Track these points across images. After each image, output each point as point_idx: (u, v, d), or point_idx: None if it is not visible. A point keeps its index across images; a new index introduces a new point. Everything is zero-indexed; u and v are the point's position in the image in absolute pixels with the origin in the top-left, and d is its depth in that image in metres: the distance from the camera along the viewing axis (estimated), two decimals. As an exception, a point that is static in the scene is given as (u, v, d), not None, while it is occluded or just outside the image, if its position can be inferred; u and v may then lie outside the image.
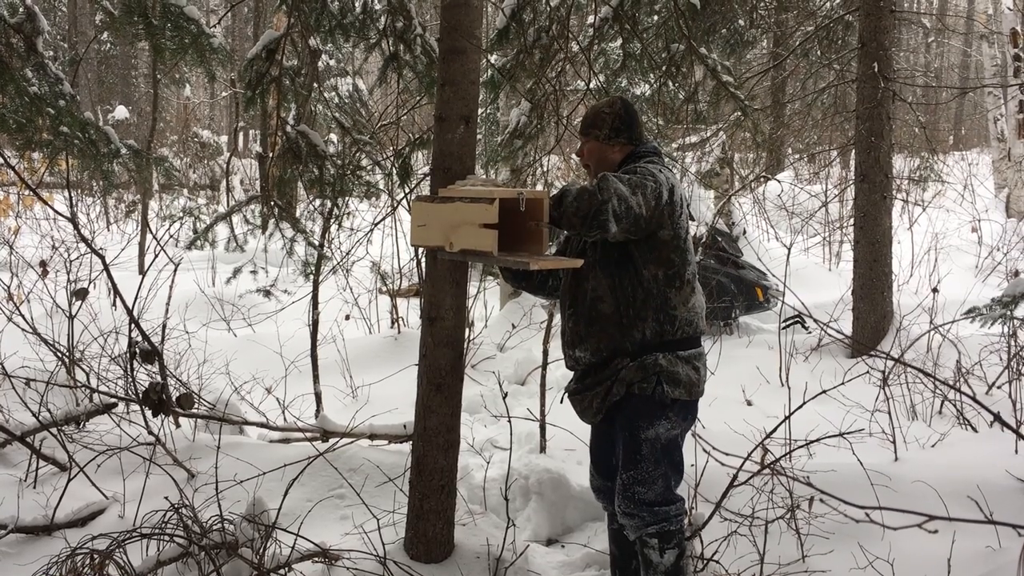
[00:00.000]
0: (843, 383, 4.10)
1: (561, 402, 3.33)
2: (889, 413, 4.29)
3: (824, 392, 3.72)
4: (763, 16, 7.30)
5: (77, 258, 5.95)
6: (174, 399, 4.38)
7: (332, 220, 5.30)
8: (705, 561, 3.36)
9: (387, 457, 4.23)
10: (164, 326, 5.31)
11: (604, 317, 2.97)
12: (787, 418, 3.61)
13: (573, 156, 12.13)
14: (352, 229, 6.15)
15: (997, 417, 2.08)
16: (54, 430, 4.32)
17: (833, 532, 3.39)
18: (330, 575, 3.31)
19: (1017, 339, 4.97)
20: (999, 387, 5.04)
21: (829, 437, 3.51)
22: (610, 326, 2.97)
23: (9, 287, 6.04)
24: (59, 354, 5.15)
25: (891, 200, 6.85)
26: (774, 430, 3.59)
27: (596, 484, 3.28)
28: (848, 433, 3.42)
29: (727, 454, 3.70)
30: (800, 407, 3.55)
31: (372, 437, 4.52)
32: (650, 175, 2.87)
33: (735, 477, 3.43)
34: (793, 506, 3.33)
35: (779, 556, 3.31)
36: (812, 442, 3.63)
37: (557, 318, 7.07)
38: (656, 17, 5.64)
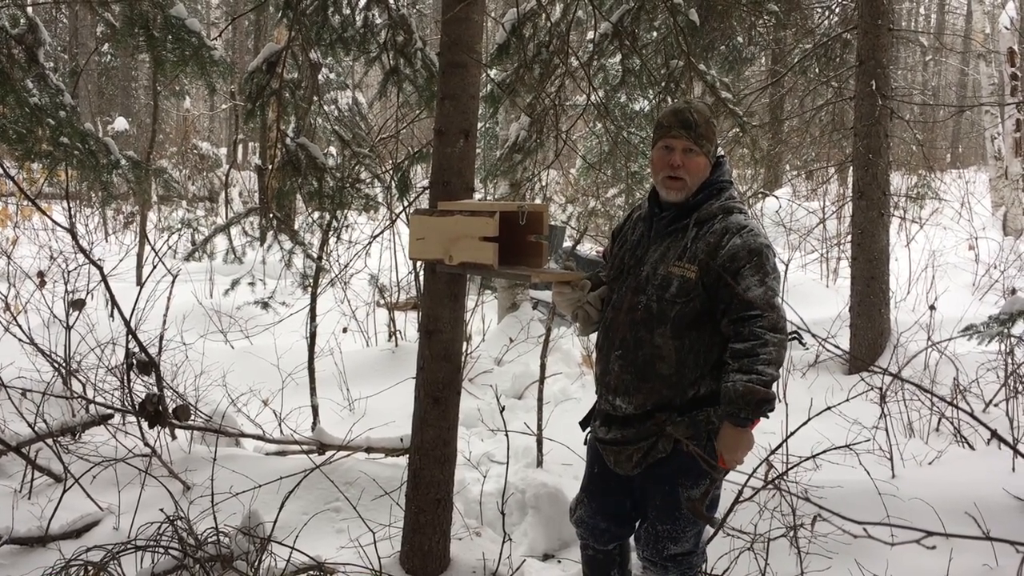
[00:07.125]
0: (847, 400, 4.10)
1: (585, 443, 3.06)
2: (887, 430, 4.28)
3: (829, 408, 3.71)
4: (762, 33, 7.34)
5: (75, 269, 5.93)
6: (170, 411, 4.38)
7: (331, 233, 5.31)
8: (707, 578, 3.35)
9: (383, 470, 4.22)
10: (161, 337, 5.30)
11: (660, 377, 2.71)
12: (793, 433, 3.61)
13: (571, 172, 12.14)
14: (351, 242, 6.16)
15: (994, 434, 2.06)
16: (50, 441, 4.30)
17: (834, 549, 3.38)
18: (325, 589, 3.30)
19: (1014, 357, 4.97)
20: (996, 405, 5.04)
21: (828, 451, 3.50)
22: (664, 386, 2.72)
23: (6, 297, 6.03)
24: (56, 365, 5.14)
25: (888, 217, 6.87)
26: (779, 446, 3.58)
27: (584, 516, 3.00)
28: (853, 444, 3.42)
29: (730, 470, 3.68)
30: (806, 423, 3.54)
31: (369, 450, 4.51)
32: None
33: (740, 493, 3.42)
34: (796, 524, 3.32)
35: (777, 571, 3.30)
36: (807, 459, 3.61)
37: (556, 332, 7.12)
38: (655, 33, 5.68)
